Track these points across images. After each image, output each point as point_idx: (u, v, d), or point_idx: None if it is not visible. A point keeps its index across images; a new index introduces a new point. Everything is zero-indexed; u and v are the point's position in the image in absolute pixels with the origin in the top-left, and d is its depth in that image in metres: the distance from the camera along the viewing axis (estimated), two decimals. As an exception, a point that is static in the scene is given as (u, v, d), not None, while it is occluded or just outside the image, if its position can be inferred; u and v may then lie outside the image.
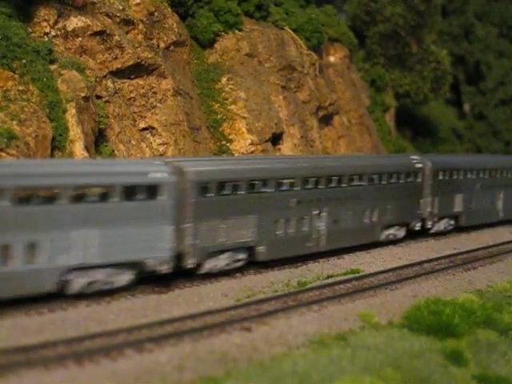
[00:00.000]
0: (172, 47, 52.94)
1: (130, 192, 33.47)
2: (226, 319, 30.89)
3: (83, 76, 43.12)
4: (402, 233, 52.32)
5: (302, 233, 43.11)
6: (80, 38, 45.27)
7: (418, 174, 53.29)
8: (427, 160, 54.92)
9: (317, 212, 44.04)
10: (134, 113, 48.64)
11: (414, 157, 55.29)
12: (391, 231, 51.24)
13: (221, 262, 38.34)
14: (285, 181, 41.89)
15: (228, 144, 53.74)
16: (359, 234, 47.97)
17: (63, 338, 26.93)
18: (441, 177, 55.89)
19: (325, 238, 44.66)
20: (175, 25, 53.32)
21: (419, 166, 53.53)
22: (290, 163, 44.24)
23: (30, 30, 42.95)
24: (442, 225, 57.25)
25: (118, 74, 47.66)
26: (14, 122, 37.06)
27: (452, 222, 58.65)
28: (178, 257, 35.66)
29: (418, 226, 53.55)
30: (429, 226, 55.03)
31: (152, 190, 34.24)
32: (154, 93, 49.69)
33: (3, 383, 22.80)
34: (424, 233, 55.17)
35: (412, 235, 54.30)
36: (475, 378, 29.42)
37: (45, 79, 40.46)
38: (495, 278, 44.61)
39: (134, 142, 47.44)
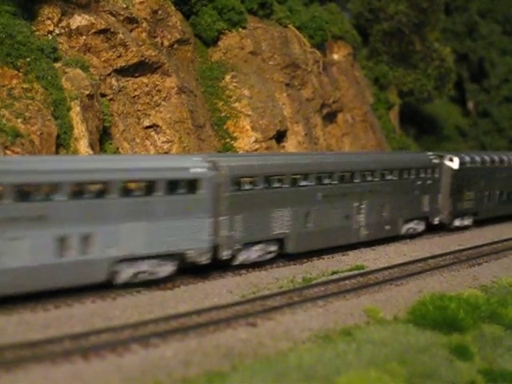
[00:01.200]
0: (176, 45, 53.03)
1: None
2: (231, 315, 30.96)
3: (87, 74, 43.25)
4: (166, 268, 35.41)
5: None
6: (84, 37, 45.36)
7: (200, 184, 36.15)
8: (222, 163, 38.05)
9: None
10: (139, 111, 48.74)
11: (196, 159, 37.72)
12: (144, 267, 34.43)
13: None
14: None
15: (232, 142, 53.83)
16: (54, 274, 30.94)
17: (69, 333, 27.02)
18: (247, 186, 39.54)
19: None
20: (179, 23, 53.41)
21: (199, 171, 36.28)
22: None
23: (34, 29, 43.03)
24: (253, 253, 40.04)
25: (122, 72, 47.75)
26: (19, 120, 37.19)
27: (272, 249, 41.43)
28: None
29: (204, 259, 36.50)
30: (225, 257, 38.13)
31: None
32: (158, 91, 49.77)
33: (11, 378, 22.89)
34: (224, 266, 39.03)
35: (415, 237, 54.35)
36: (480, 373, 29.41)
37: (49, 77, 40.58)
38: (500, 273, 44.59)
39: (138, 140, 47.57)
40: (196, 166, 36.48)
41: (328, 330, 30.27)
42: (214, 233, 37.06)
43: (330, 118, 68.89)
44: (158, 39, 51.31)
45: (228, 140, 53.82)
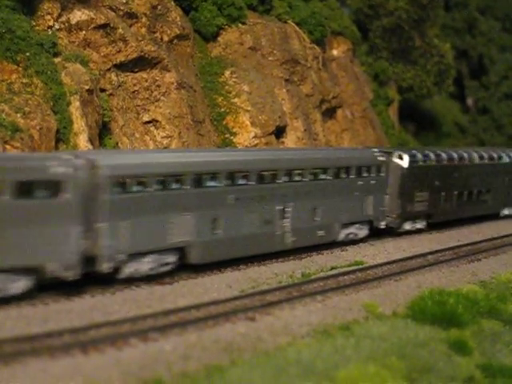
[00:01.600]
0: (175, 40, 52.99)
1: None
2: (230, 309, 30.98)
3: (87, 69, 43.29)
4: (19, 285, 29.93)
5: None
6: (84, 31, 45.38)
7: (63, 186, 30.30)
8: (101, 161, 32.36)
9: None
10: (138, 106, 48.75)
11: (67, 157, 31.89)
12: None
13: None
14: None
15: (232, 137, 53.85)
16: None
17: (68, 327, 27.03)
18: (135, 188, 33.51)
19: None
20: (178, 18, 53.38)
21: (61, 171, 30.33)
22: None
23: (34, 24, 43.06)
24: (143, 265, 34.51)
25: (122, 67, 47.77)
26: (19, 115, 37.19)
27: (170, 260, 35.85)
28: None
29: (72, 274, 30.77)
30: (106, 270, 32.54)
31: None
32: (158, 86, 49.78)
33: (9, 371, 22.89)
34: (107, 281, 33.43)
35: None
36: (479, 368, 29.40)
37: (49, 72, 40.59)
38: (499, 269, 44.63)
39: (137, 135, 47.59)
40: (59, 165, 30.42)
41: (327, 325, 30.28)
42: (88, 243, 31.53)
43: (330, 113, 68.89)
44: (158, 34, 51.28)
45: (227, 135, 53.85)
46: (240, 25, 58.85)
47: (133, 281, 34.09)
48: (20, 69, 39.52)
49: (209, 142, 52.31)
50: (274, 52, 60.95)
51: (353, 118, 72.78)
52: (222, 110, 54.55)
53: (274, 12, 63.89)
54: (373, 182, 48.83)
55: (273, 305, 32.28)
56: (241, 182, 38.92)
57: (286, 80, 61.31)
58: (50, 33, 43.41)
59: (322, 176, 44.66)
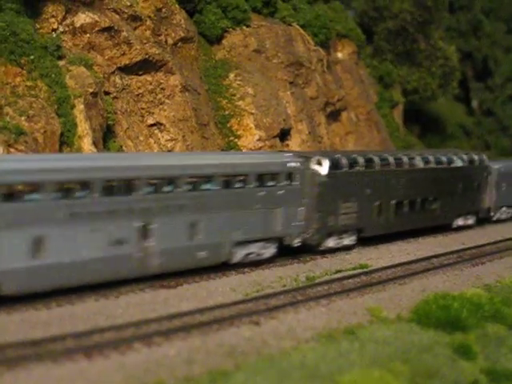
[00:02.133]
0: (180, 43, 52.98)
1: None
2: (234, 313, 30.95)
3: (91, 72, 43.29)
4: None
5: None
6: (88, 34, 45.40)
7: None
8: None
9: None
10: (142, 109, 48.72)
11: None
12: None
13: None
14: None
15: (236, 140, 53.79)
16: None
17: (72, 331, 27.00)
18: None
19: None
20: (183, 21, 53.35)
21: None
22: None
23: (38, 26, 43.11)
24: None
25: (126, 70, 47.75)
26: (23, 118, 37.26)
27: None
28: None
29: None
30: None
31: None
32: (162, 89, 49.74)
33: (12, 376, 22.87)
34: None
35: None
36: (483, 372, 29.36)
37: (53, 75, 40.64)
38: (503, 273, 44.51)
39: (141, 138, 47.56)
40: None
41: (331, 329, 30.24)
42: None
43: (334, 116, 68.80)
44: (162, 37, 51.26)
45: (232, 138, 53.79)
46: (244, 27, 58.85)
47: (136, 284, 33.90)
48: (24, 72, 39.56)
49: (213, 145, 52.29)
50: (279, 55, 60.90)
51: (357, 120, 72.70)
52: (227, 112, 54.51)
53: (278, 14, 63.85)
54: (281, 192, 41.28)
55: (277, 308, 32.24)
56: (78, 194, 31.87)
57: (291, 83, 61.26)
58: (55, 36, 43.44)
59: (205, 186, 37.34)
